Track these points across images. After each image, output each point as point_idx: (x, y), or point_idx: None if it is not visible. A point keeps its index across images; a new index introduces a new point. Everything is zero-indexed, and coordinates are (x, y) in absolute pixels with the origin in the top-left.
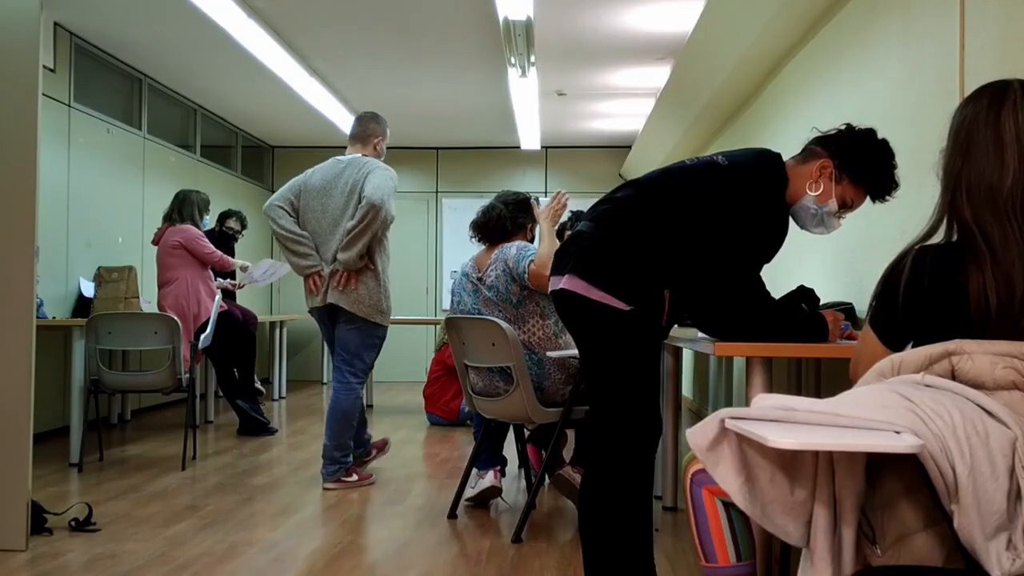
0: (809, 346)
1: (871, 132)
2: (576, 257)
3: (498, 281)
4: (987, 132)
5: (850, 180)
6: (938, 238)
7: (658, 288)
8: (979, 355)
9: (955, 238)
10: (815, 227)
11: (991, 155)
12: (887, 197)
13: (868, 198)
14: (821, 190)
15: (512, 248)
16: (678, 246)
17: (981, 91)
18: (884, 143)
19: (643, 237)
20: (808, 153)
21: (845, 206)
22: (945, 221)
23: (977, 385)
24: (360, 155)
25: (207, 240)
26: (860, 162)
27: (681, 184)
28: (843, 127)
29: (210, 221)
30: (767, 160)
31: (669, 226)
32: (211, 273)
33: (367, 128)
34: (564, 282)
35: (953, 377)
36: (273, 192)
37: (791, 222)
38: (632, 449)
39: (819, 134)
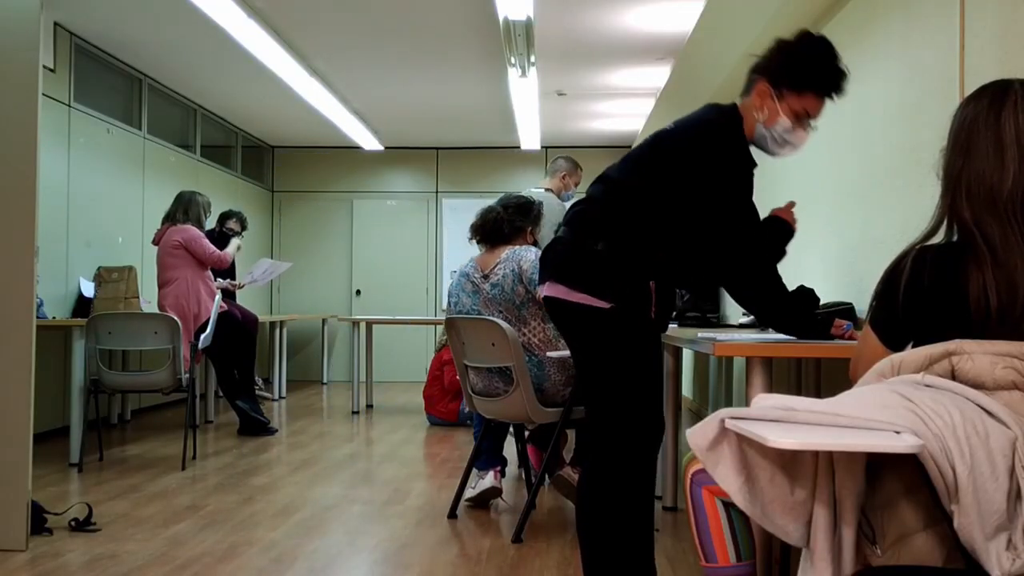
0: (809, 346)
1: (801, 35)
2: (553, 263)
3: (504, 280)
4: (987, 133)
5: (791, 91)
6: (938, 238)
7: (640, 281)
8: (979, 355)
9: (955, 239)
10: (780, 149)
11: (991, 156)
12: (839, 92)
13: (824, 100)
14: (767, 114)
15: (531, 253)
16: (654, 231)
17: (982, 91)
18: (816, 40)
19: (616, 232)
20: (748, 84)
21: (801, 117)
22: (945, 222)
23: (977, 385)
24: (544, 188)
25: (207, 240)
26: (791, 70)
27: (643, 164)
28: (772, 43)
29: (209, 223)
30: (715, 106)
31: (642, 212)
32: (211, 273)
33: (556, 164)
34: (546, 289)
35: (953, 377)
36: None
37: (764, 154)
38: (631, 450)
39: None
